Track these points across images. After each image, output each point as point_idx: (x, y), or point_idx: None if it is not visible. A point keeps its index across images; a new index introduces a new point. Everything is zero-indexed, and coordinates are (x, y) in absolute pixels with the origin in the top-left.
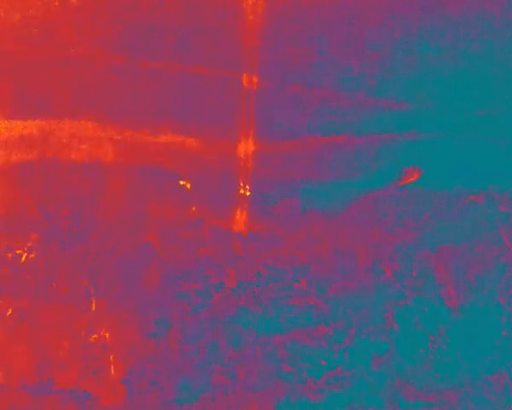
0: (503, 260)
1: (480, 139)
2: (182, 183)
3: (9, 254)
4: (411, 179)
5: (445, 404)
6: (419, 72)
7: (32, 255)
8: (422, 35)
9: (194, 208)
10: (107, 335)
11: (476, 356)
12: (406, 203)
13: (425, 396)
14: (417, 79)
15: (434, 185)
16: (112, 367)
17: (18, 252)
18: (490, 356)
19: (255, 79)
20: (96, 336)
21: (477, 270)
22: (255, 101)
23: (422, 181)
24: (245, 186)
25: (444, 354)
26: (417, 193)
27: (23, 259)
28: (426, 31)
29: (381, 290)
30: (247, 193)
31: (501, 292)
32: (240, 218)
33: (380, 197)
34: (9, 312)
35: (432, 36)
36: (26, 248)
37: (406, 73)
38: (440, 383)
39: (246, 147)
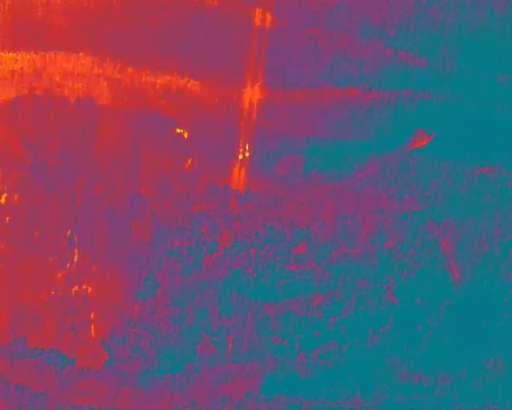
0: (509, 239)
1: (495, 109)
2: (179, 131)
3: None
4: (421, 143)
5: (436, 386)
6: (442, 27)
7: (14, 196)
8: None
9: (190, 160)
10: (88, 289)
11: (475, 338)
12: (414, 170)
13: (417, 378)
14: (439, 35)
15: (444, 153)
16: (92, 327)
17: None
18: (489, 339)
19: (269, 17)
20: (76, 288)
21: (481, 247)
22: (267, 42)
23: (432, 147)
24: (245, 146)
25: (442, 333)
26: (426, 160)
27: (3, 200)
28: None
29: (383, 260)
30: (247, 154)
31: (504, 272)
32: (238, 174)
33: (388, 161)
34: None
35: None
36: (7, 188)
37: (429, 27)
38: (435, 365)
39: (251, 94)
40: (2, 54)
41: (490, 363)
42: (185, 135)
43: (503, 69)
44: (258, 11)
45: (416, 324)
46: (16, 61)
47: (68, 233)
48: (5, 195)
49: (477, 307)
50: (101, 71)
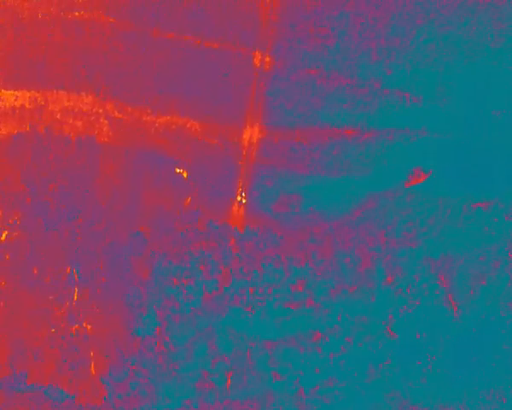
0: (506, 272)
1: (491, 144)
2: (178, 171)
3: None
4: (419, 181)
5: None
6: (437, 67)
7: (14, 234)
8: (446, 29)
9: (189, 199)
10: (88, 327)
11: (474, 370)
12: (411, 206)
13: None
14: (435, 74)
15: (441, 189)
16: (92, 364)
17: None
18: (488, 371)
19: (268, 59)
20: (76, 326)
21: (479, 281)
22: (266, 83)
23: (429, 184)
24: (244, 185)
25: (441, 366)
26: (423, 196)
27: (3, 237)
28: (450, 25)
29: (381, 296)
30: (243, 200)
31: (502, 305)
32: (238, 213)
33: (386, 198)
34: None
35: (456, 32)
36: (7, 226)
37: (425, 66)
38: (435, 398)
39: (251, 134)
40: (4, 91)
41: (489, 395)
42: (184, 174)
43: (498, 106)
44: (257, 53)
45: (415, 358)
46: (17, 98)
47: (68, 271)
48: (6, 232)
49: (476, 340)
50: (101, 110)
